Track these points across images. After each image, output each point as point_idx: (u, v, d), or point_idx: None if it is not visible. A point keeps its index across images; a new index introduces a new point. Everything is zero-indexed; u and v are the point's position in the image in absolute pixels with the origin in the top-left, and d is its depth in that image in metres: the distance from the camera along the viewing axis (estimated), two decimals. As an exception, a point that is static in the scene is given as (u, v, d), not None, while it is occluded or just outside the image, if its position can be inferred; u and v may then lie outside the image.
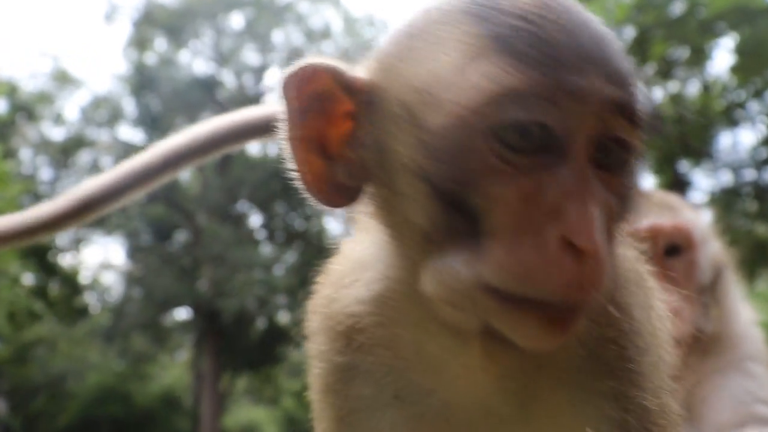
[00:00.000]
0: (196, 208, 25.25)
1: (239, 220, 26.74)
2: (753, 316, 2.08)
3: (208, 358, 24.67)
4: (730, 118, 25.24)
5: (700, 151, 26.12)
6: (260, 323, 25.56)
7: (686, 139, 24.52)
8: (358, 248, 0.95)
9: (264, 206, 26.34)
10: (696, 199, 27.52)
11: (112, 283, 28.89)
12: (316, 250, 24.94)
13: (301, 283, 23.80)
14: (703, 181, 28.12)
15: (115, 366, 27.31)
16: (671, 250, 1.84)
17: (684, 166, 27.84)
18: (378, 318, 0.88)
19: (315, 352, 0.97)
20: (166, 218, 25.53)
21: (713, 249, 1.99)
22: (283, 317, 26.47)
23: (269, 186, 24.82)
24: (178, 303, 24.88)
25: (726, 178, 27.23)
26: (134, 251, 26.24)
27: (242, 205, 26.99)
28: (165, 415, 27.26)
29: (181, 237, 27.11)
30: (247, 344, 24.70)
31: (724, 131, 26.47)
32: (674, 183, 26.94)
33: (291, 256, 25.62)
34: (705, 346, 1.87)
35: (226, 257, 23.08)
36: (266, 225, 27.07)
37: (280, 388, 29.11)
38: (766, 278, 26.50)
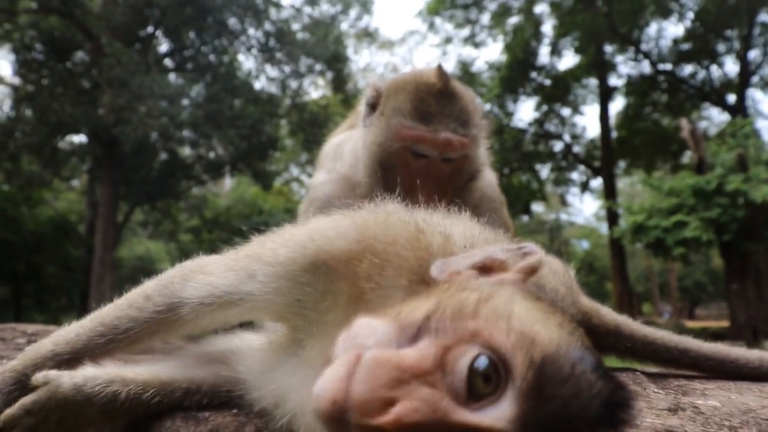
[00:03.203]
0: (98, 25, 24.45)
1: (146, 45, 26.41)
2: (493, 176, 2.88)
3: (104, 187, 25.22)
4: (661, 6, 27.98)
5: (627, 36, 29.00)
6: (162, 156, 26.50)
7: (614, 21, 27.18)
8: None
9: (174, 33, 26.23)
10: (615, 83, 30.94)
11: (-1, 97, 29.48)
12: (225, 86, 25.41)
13: (207, 118, 24.17)
14: (624, 67, 31.46)
15: (2, 187, 28.21)
16: (448, 159, 2.38)
17: (609, 49, 30.82)
18: None
19: None
20: (63, 33, 24.69)
21: (481, 152, 2.55)
22: (187, 152, 27.73)
23: (182, 11, 24.42)
24: (75, 127, 24.81)
25: (645, 68, 30.59)
26: (25, 66, 25.68)
27: (150, 29, 26.71)
28: (57, 241, 29.15)
29: (80, 56, 26.51)
30: (146, 176, 25.60)
31: (652, 21, 29.38)
32: (596, 64, 30.08)
33: (199, 90, 25.80)
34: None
35: (130, 83, 23.00)
36: (175, 53, 27.26)
37: (178, 223, 31.39)
38: (663, 169, 30.83)
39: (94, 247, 25.96)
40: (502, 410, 1.01)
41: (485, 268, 1.29)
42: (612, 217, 26.93)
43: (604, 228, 39.73)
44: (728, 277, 19.53)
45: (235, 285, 1.51)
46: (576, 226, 50.56)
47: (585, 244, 48.31)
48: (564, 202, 38.86)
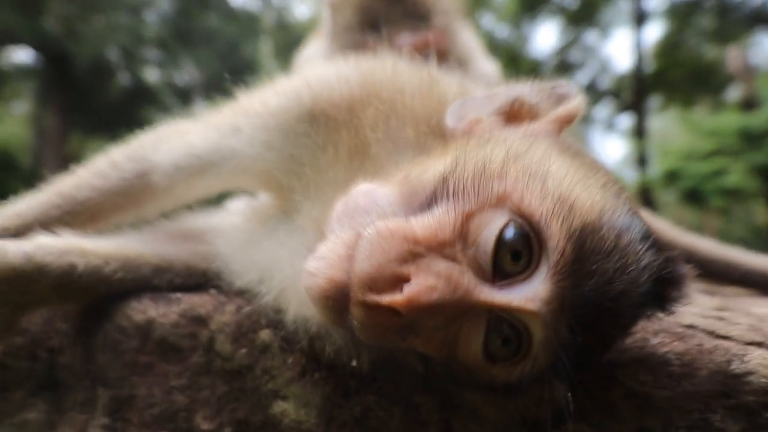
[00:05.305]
0: None
1: (103, -55, 25.56)
2: (494, 68, 3.00)
3: (53, 113, 24.96)
4: None
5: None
6: (123, 78, 25.94)
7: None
8: None
9: (136, -68, 25.14)
10: (652, 5, 30.26)
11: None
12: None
13: (176, 35, 23.95)
14: (664, -15, 30.63)
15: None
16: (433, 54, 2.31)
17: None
18: None
19: None
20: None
21: (462, 40, 2.67)
22: (152, 74, 27.30)
23: None
24: (16, 40, 24.10)
25: (690, -14, 29.75)
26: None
27: (107, -74, 25.59)
28: (-2, 175, 29.14)
29: (23, -45, 27.36)
30: (104, 101, 25.26)
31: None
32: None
33: (165, 2, 25.12)
34: None
35: (83, -10, 22.29)
36: (139, -43, 26.20)
37: (140, 156, 32.20)
38: (703, 106, 30.47)
39: (40, 182, 25.77)
40: (534, 289, 0.97)
41: (512, 115, 1.24)
42: (641, 161, 26.79)
43: (629, 174, 39.71)
44: (775, 234, 19.48)
45: (217, 142, 1.45)
46: (599, 172, 50.61)
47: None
48: (585, 143, 38.74)
